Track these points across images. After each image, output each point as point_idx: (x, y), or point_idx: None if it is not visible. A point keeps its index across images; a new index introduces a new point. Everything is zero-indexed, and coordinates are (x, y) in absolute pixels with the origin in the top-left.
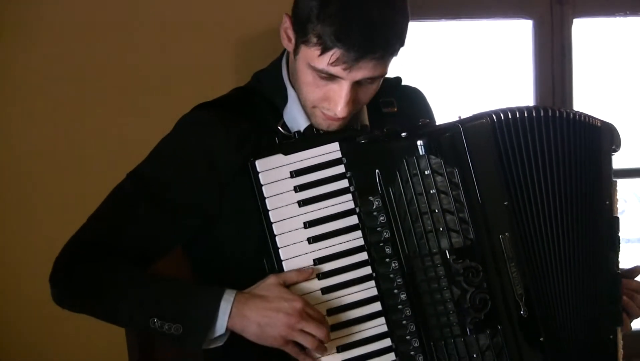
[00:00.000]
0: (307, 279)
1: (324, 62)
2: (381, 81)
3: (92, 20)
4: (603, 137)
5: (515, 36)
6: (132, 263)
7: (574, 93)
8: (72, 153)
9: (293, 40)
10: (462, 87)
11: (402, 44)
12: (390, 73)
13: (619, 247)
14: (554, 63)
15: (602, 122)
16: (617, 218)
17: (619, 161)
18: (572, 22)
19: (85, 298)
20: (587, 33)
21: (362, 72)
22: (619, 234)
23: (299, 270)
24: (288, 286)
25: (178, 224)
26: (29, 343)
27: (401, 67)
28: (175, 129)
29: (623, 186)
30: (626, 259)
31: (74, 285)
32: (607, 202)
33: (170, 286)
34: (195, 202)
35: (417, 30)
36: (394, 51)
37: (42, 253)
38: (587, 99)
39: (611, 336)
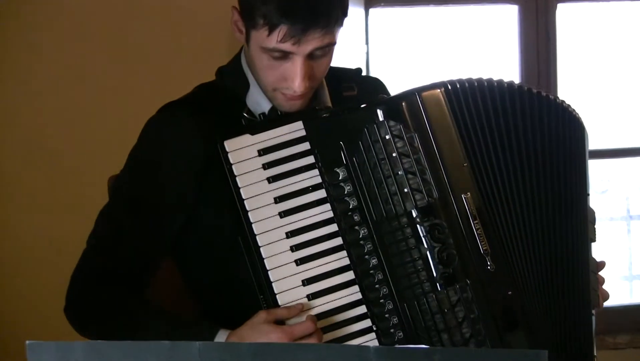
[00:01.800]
0: (298, 315)
1: (273, 40)
2: (333, 52)
3: (90, 15)
4: (583, 129)
5: (501, 21)
6: (137, 279)
7: (558, 77)
8: (73, 151)
9: (244, 30)
10: (449, 71)
11: (344, 13)
12: (374, 60)
13: (595, 237)
14: (539, 47)
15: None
16: (593, 210)
17: (604, 141)
18: (556, 7)
19: (98, 333)
20: (571, 18)
21: (311, 44)
22: (595, 226)
23: (288, 307)
24: (278, 321)
25: (167, 225)
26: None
27: (390, 51)
28: (143, 133)
29: (607, 166)
30: (611, 237)
31: (86, 321)
32: (587, 193)
33: (165, 327)
34: (178, 200)
35: (405, 16)
36: (337, 20)
37: (44, 252)
38: (571, 83)
39: (591, 312)
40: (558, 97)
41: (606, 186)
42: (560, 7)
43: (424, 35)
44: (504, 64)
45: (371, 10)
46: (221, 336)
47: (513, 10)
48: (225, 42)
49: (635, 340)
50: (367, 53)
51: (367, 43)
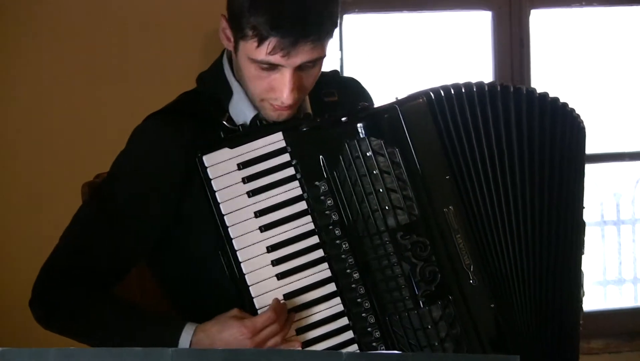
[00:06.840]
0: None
1: (262, 52)
2: (322, 63)
3: (89, 19)
4: (583, 133)
5: (475, 27)
6: (104, 282)
7: (532, 83)
8: (70, 149)
9: (232, 39)
10: (423, 78)
11: (334, 24)
12: (349, 66)
13: (583, 250)
14: (512, 53)
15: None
16: (584, 222)
17: None
18: (529, 13)
19: (62, 329)
20: (544, 24)
21: (300, 56)
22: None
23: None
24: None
25: (143, 237)
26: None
27: (364, 57)
28: (128, 143)
29: None
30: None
31: (50, 316)
32: (582, 204)
33: (134, 321)
34: (157, 212)
35: (380, 23)
36: (328, 32)
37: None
38: (544, 89)
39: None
40: (559, 99)
41: None
42: (533, 13)
43: (398, 41)
44: (477, 70)
45: (345, 16)
46: (188, 330)
47: (486, 16)
48: (201, 48)
49: (610, 345)
50: (342, 59)
51: (341, 49)
